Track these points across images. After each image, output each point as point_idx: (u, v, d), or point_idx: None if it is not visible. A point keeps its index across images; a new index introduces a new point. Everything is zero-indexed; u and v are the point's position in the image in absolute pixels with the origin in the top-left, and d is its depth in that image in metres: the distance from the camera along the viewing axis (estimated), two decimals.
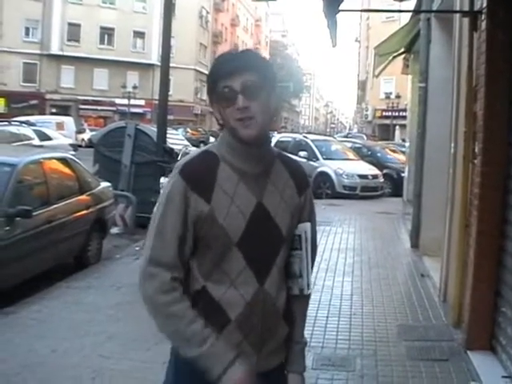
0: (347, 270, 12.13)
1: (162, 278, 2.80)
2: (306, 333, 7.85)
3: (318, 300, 9.83)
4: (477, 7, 7.86)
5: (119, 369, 6.89)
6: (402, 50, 17.04)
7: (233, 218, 2.82)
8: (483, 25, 7.29)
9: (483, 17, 7.32)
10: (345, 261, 12.96)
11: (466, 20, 8.44)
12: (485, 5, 7.26)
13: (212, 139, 69.23)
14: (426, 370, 7.05)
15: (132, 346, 7.62)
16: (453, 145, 9.37)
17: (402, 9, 15.71)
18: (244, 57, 2.88)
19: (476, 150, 7.57)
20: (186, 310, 2.79)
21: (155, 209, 2.97)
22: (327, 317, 9.01)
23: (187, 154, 9.77)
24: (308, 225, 3.08)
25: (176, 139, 18.55)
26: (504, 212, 7.06)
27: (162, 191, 3.01)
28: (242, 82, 2.79)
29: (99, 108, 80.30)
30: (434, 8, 12.15)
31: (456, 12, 9.54)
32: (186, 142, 19.83)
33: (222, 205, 2.82)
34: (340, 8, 8.16)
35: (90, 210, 12.04)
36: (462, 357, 7.33)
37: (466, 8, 8.44)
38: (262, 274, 2.89)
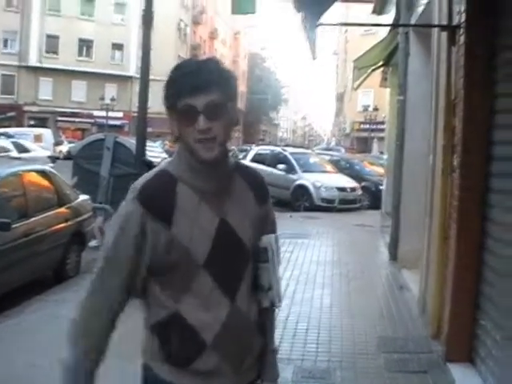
0: (326, 282, 12.16)
1: (100, 303, 2.81)
2: (286, 345, 7.89)
3: (297, 313, 9.87)
4: (455, 22, 7.91)
5: (99, 381, 6.84)
6: (381, 63, 17.13)
7: (198, 240, 2.75)
8: (461, 39, 7.35)
9: (461, 31, 7.38)
10: (324, 273, 12.98)
11: (444, 34, 8.50)
12: (463, 19, 7.32)
13: None
14: (405, 382, 7.08)
15: (113, 361, 7.56)
16: (431, 157, 9.43)
17: (381, 22, 15.80)
18: (207, 71, 2.75)
19: (455, 164, 7.62)
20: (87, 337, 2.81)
21: (107, 235, 2.83)
22: (307, 329, 9.03)
23: None
24: (273, 236, 2.99)
25: (155, 152, 18.53)
26: (483, 225, 7.10)
27: (115, 215, 2.84)
28: (205, 102, 2.67)
29: (77, 120, 79.94)
30: (413, 22, 12.25)
31: (434, 26, 9.61)
32: (165, 155, 19.77)
33: (184, 228, 2.73)
34: (320, 21, 8.21)
35: (69, 222, 11.99)
36: (441, 369, 7.36)
37: (445, 22, 8.50)
38: (231, 291, 2.83)
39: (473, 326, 7.21)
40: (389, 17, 16.66)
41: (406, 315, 9.88)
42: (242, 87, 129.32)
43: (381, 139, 55.75)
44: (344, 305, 10.53)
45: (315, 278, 12.53)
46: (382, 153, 43.95)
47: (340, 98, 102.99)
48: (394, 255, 14.07)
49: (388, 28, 16.14)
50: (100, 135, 19.05)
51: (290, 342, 8.40)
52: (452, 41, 7.94)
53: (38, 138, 40.03)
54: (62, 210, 11.94)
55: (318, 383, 7.01)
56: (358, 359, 7.85)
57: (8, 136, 34.31)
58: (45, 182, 11.93)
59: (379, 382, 7.09)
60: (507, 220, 6.45)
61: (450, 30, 8.02)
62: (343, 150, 56.34)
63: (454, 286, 7.37)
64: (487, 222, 7.02)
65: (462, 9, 7.37)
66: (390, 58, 15.93)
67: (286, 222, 20.93)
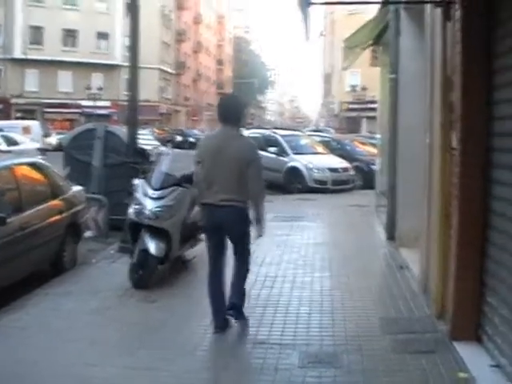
0: (325, 264, 12.10)
1: None
2: (290, 330, 7.95)
3: (298, 296, 9.83)
4: None
5: (103, 376, 6.75)
6: (371, 42, 17.01)
7: None
8: (457, 14, 7.27)
9: (457, 6, 7.30)
10: (322, 255, 12.93)
11: (438, 10, 8.41)
12: None
13: (178, 138, 69.44)
14: (413, 363, 7.01)
15: (114, 352, 7.51)
16: (428, 135, 9.35)
17: (374, 0, 15.56)
18: None
19: (454, 140, 7.54)
20: None
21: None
22: (309, 313, 8.99)
23: (161, 154, 10.17)
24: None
25: (146, 139, 18.42)
26: (485, 201, 7.04)
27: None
28: None
29: (64, 111, 79.66)
30: None
31: (428, 2, 9.52)
32: (156, 142, 19.68)
33: None
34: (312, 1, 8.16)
35: (64, 214, 11.84)
36: (448, 348, 7.30)
37: None
38: None
39: (478, 303, 7.17)
40: None
41: (408, 295, 9.81)
42: (227, 72, 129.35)
43: (370, 118, 55.59)
44: (344, 287, 10.44)
45: (314, 260, 12.47)
46: (371, 132, 43.86)
47: (327, 79, 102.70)
48: (391, 235, 14.01)
49: (376, 7, 16.00)
50: (90, 125, 18.88)
51: (293, 326, 8.36)
52: (447, 16, 7.85)
53: (26, 131, 39.77)
54: (56, 202, 11.81)
55: (326, 368, 6.93)
56: (363, 342, 7.77)
57: None
58: (37, 175, 11.82)
59: (387, 364, 7.02)
60: (508, 195, 6.39)
61: (445, 5, 7.94)
62: (332, 131, 56.21)
63: (457, 264, 7.32)
64: (490, 199, 6.96)
65: None
66: (380, 36, 15.83)
67: (280, 204, 20.86)
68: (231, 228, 7.94)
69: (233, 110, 8.11)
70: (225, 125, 8.06)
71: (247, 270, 8.42)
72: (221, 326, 8.08)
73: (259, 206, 7.95)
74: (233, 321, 8.26)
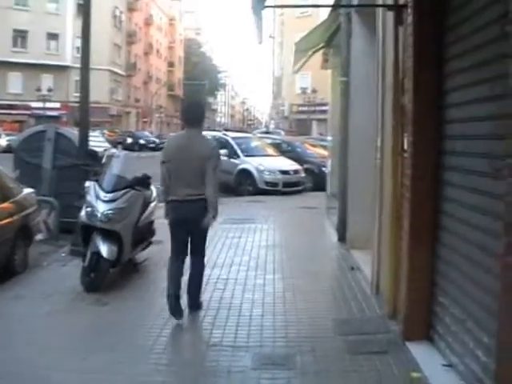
0: (277, 267, 12.11)
1: None
2: (243, 333, 7.91)
3: (251, 298, 9.85)
4: (401, 1, 7.90)
5: (56, 381, 6.68)
6: (322, 44, 17.04)
7: None
8: (409, 18, 7.34)
9: (409, 10, 7.36)
10: (273, 258, 12.95)
11: (389, 14, 8.47)
12: None
13: (129, 140, 69.05)
14: (366, 364, 7.05)
15: (67, 356, 7.42)
16: (379, 138, 9.41)
17: (322, 3, 15.64)
18: None
19: (406, 143, 7.62)
20: None
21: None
22: (262, 315, 8.99)
23: (112, 156, 10.07)
24: None
25: (97, 141, 18.24)
26: (436, 203, 7.12)
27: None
28: None
29: (14, 112, 78.61)
30: (356, 2, 12.23)
31: (380, 6, 9.59)
32: (108, 144, 19.50)
33: None
34: (266, 4, 8.18)
35: (14, 217, 11.66)
36: (400, 348, 7.36)
37: (390, 2, 8.50)
38: None
39: (430, 303, 7.25)
40: None
41: (360, 296, 9.88)
42: (178, 73, 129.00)
43: (320, 121, 55.84)
44: (296, 289, 10.45)
45: (265, 263, 12.47)
46: (321, 134, 44.03)
47: (277, 82, 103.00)
48: (342, 236, 14.07)
49: (328, 9, 16.06)
50: (40, 127, 18.63)
51: (246, 328, 8.37)
52: (399, 20, 7.91)
53: None
54: (7, 204, 11.61)
55: (279, 370, 6.94)
56: (315, 343, 7.79)
57: None
58: None
59: (340, 365, 7.06)
60: (459, 197, 6.48)
61: (397, 9, 8.00)
62: (283, 133, 56.33)
63: (408, 265, 7.39)
64: (441, 200, 7.05)
65: None
66: (332, 39, 15.88)
67: (231, 207, 20.85)
68: (196, 220, 8.58)
69: (196, 114, 9.12)
70: (189, 127, 8.96)
71: (203, 265, 9.24)
72: (177, 312, 8.67)
73: (213, 194, 8.64)
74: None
